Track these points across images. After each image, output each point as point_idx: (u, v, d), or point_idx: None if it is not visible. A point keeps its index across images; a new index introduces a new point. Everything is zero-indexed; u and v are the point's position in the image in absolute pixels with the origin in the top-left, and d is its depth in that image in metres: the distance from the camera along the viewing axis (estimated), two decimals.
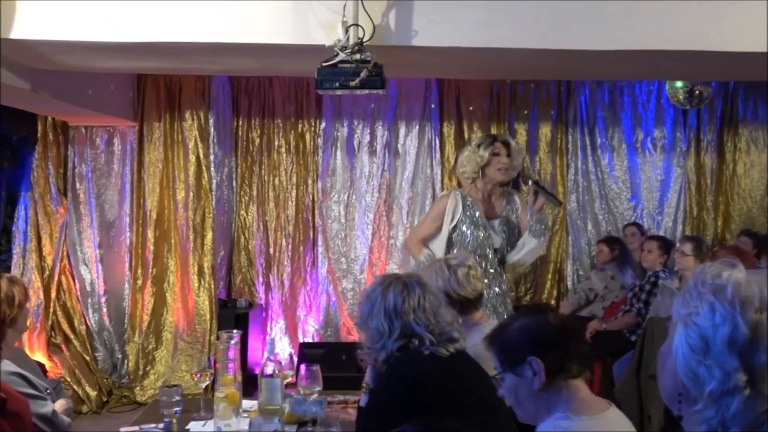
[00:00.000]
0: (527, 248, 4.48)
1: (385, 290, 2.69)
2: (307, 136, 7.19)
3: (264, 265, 7.16)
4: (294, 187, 7.15)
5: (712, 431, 1.40)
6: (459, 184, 5.10)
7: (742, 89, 7.44)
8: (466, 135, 7.30)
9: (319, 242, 7.18)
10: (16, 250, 6.60)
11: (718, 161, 7.49)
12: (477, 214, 4.49)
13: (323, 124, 7.20)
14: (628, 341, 5.92)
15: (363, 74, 3.85)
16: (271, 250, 7.15)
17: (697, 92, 6.75)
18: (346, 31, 3.92)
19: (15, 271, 6.40)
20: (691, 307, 1.44)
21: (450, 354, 2.66)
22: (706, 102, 6.92)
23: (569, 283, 7.35)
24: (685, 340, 1.43)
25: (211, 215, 6.85)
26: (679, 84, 6.72)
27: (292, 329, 7.12)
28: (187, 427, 3.28)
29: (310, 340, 7.07)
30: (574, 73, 6.08)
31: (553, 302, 7.19)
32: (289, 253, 7.13)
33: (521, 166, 4.89)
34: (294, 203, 7.13)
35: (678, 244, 5.88)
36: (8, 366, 2.95)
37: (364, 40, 3.92)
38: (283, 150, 7.17)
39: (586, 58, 4.57)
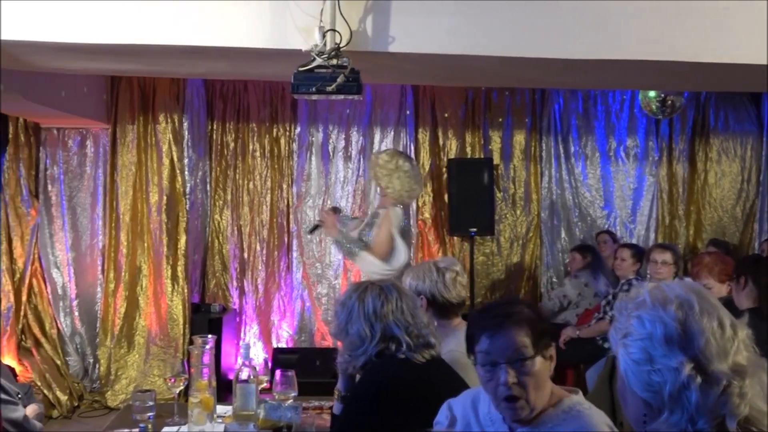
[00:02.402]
0: None
1: (362, 295, 2.70)
2: (282, 141, 7.17)
3: (238, 269, 7.13)
4: (269, 191, 7.13)
5: None
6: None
7: (714, 99, 7.55)
8: (440, 141, 7.34)
9: (294, 247, 7.17)
10: None
11: (689, 170, 7.58)
12: None
13: (298, 129, 7.19)
14: (601, 348, 5.94)
15: (340, 79, 3.83)
16: (246, 255, 7.13)
17: (669, 102, 6.82)
18: (323, 35, 3.90)
19: None
20: (623, 330, 1.55)
21: (425, 360, 2.66)
22: (678, 111, 7.00)
23: (543, 290, 7.39)
24: (629, 358, 1.53)
25: (185, 219, 6.80)
26: (651, 94, 6.79)
27: (266, 334, 7.09)
28: None
29: (284, 346, 7.04)
30: (548, 81, 6.12)
31: None
32: (264, 258, 7.11)
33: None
34: (269, 208, 7.11)
35: (656, 254, 5.82)
36: None
37: (341, 45, 3.91)
38: (258, 154, 7.15)
39: (559, 67, 4.60)
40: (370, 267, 4.94)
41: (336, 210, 5.29)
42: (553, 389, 2.18)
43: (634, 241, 7.23)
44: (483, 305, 2.29)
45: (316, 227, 5.34)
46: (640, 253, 6.22)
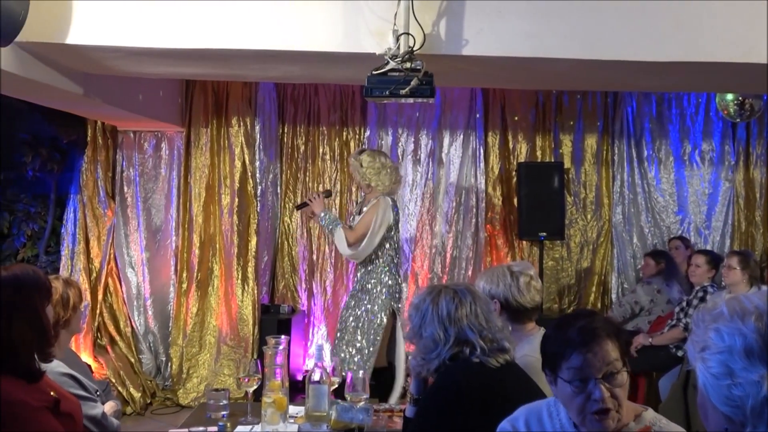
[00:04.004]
0: None
1: (436, 299, 2.68)
2: (352, 144, 7.20)
3: (307, 271, 7.18)
4: (338, 194, 7.16)
5: None
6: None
7: None
8: (510, 145, 7.28)
9: None
10: (65, 252, 6.70)
11: (767, 175, 7.35)
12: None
13: (368, 132, 7.21)
14: (675, 356, 5.82)
15: (413, 83, 3.83)
16: (314, 257, 7.18)
17: (747, 105, 6.63)
18: (397, 39, 3.91)
19: (63, 273, 6.48)
20: (701, 343, 1.51)
21: (500, 365, 2.64)
22: (756, 115, 6.80)
23: (614, 296, 7.27)
24: (708, 372, 1.48)
25: (256, 221, 6.89)
26: (729, 97, 6.61)
27: (333, 336, 7.10)
28: (234, 431, 3.28)
29: None
30: (620, 84, 6.02)
31: None
32: (332, 260, 7.14)
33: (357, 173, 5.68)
34: (337, 210, 7.14)
35: (725, 259, 5.78)
36: (60, 367, 2.97)
37: (414, 48, 3.92)
38: (328, 157, 7.20)
39: (633, 70, 4.52)
40: (339, 244, 5.58)
41: (327, 193, 5.97)
42: (628, 404, 2.14)
43: (708, 248, 7.05)
44: (558, 320, 2.23)
45: (304, 204, 5.88)
46: (716, 260, 6.06)
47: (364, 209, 5.62)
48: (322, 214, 5.62)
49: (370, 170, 5.53)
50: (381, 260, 5.54)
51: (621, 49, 4.16)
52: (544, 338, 2.20)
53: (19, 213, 6.72)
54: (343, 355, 5.46)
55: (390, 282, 5.54)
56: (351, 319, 5.53)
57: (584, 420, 2.05)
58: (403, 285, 7.06)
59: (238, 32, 4.14)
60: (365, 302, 5.51)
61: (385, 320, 5.48)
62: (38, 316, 2.57)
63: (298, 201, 7.14)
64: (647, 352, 5.91)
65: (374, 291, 5.51)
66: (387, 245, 5.55)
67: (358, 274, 5.66)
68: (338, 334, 5.62)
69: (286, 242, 7.22)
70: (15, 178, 6.69)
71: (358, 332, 5.47)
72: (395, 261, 5.64)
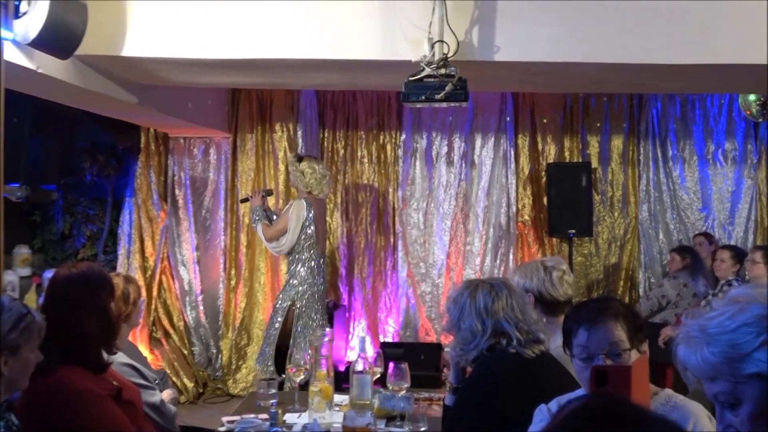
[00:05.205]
0: None
1: (473, 292, 2.68)
2: (388, 147, 7.21)
3: (347, 268, 7.20)
4: (376, 195, 7.18)
5: None
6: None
7: None
8: (539, 146, 7.23)
9: (399, 247, 7.19)
10: (121, 251, 6.80)
11: None
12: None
13: (403, 136, 7.21)
14: None
15: (448, 88, 3.84)
16: (354, 255, 7.19)
17: None
18: (432, 47, 3.92)
19: (120, 271, 6.57)
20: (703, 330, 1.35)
21: (535, 355, 2.62)
22: None
23: (641, 290, 7.19)
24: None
25: None
26: (752, 97, 6.50)
27: (373, 329, 7.13)
28: (283, 419, 3.31)
29: (390, 340, 7.07)
30: (646, 86, 5.95)
31: None
32: (371, 258, 7.16)
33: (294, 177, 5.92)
34: (376, 210, 7.15)
35: (749, 254, 5.70)
36: (121, 358, 3.01)
37: (448, 55, 3.92)
38: (366, 160, 7.21)
39: (659, 72, 4.47)
40: (261, 237, 5.92)
41: (268, 192, 6.19)
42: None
43: (732, 243, 6.94)
44: (577, 303, 2.27)
45: (246, 199, 6.21)
46: (740, 255, 5.98)
47: (284, 209, 5.93)
48: (256, 209, 5.89)
49: (312, 180, 5.78)
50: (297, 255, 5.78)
51: (648, 53, 4.12)
52: (564, 317, 2.27)
53: (79, 215, 6.84)
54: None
55: (303, 274, 5.78)
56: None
57: None
58: (439, 281, 7.11)
59: (282, 43, 4.17)
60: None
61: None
62: (105, 311, 2.62)
63: (339, 202, 7.18)
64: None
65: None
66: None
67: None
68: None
69: (327, 241, 7.23)
70: (75, 183, 6.80)
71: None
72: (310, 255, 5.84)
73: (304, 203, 5.76)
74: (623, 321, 2.12)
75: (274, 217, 5.98)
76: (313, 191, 5.81)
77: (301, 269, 5.74)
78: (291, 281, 5.76)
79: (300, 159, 5.89)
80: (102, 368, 2.63)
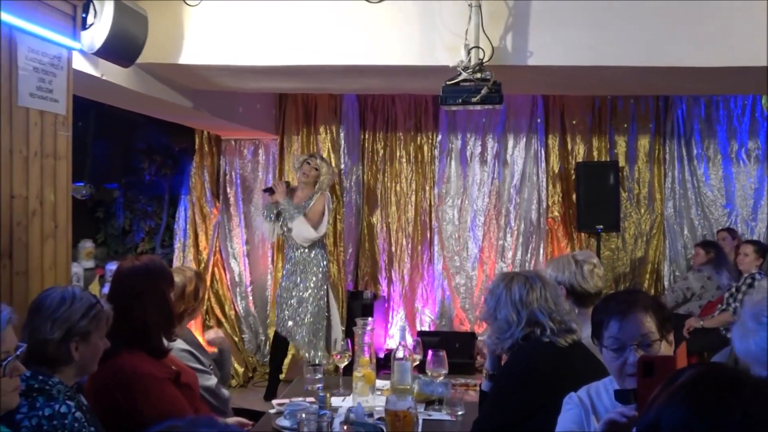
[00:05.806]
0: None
1: (509, 284, 2.66)
2: (425, 148, 7.19)
3: (386, 261, 7.21)
4: (413, 192, 7.17)
5: None
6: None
7: None
8: (569, 146, 7.17)
9: (435, 242, 7.17)
10: (177, 245, 6.89)
11: None
12: None
13: (439, 137, 7.19)
14: (724, 338, 5.64)
15: (483, 91, 3.83)
16: (393, 249, 7.20)
17: None
18: (468, 52, 3.90)
19: (176, 264, 6.66)
20: None
21: (568, 344, 2.60)
22: None
23: (666, 283, 7.08)
24: None
25: (342, 217, 6.95)
26: None
27: (410, 319, 7.13)
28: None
29: (427, 329, 7.06)
30: (673, 88, 5.86)
31: None
32: (409, 252, 7.16)
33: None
34: (413, 207, 7.15)
35: None
36: (180, 344, 3.05)
37: (484, 60, 3.90)
38: (404, 160, 7.20)
39: (685, 75, 4.40)
40: (302, 229, 5.77)
41: (288, 184, 6.05)
42: None
43: (755, 238, 6.81)
44: (606, 295, 2.25)
45: (270, 189, 6.04)
46: (763, 249, 5.89)
47: (310, 202, 5.86)
48: (284, 203, 5.84)
49: (326, 177, 5.94)
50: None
51: (675, 56, 4.06)
52: (593, 310, 2.23)
53: (139, 212, 6.95)
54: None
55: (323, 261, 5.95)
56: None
57: (623, 382, 2.06)
58: (473, 274, 7.08)
59: (327, 50, 4.18)
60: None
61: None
62: (165, 301, 2.65)
63: (379, 199, 7.18)
64: (699, 334, 5.75)
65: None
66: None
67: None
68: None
69: (368, 235, 7.25)
70: (134, 182, 6.90)
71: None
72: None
73: (330, 196, 5.99)
74: (652, 312, 2.09)
75: (294, 210, 5.84)
76: (323, 189, 5.95)
77: (321, 257, 5.91)
78: (321, 268, 5.90)
79: (316, 157, 6.04)
80: (162, 354, 2.67)
